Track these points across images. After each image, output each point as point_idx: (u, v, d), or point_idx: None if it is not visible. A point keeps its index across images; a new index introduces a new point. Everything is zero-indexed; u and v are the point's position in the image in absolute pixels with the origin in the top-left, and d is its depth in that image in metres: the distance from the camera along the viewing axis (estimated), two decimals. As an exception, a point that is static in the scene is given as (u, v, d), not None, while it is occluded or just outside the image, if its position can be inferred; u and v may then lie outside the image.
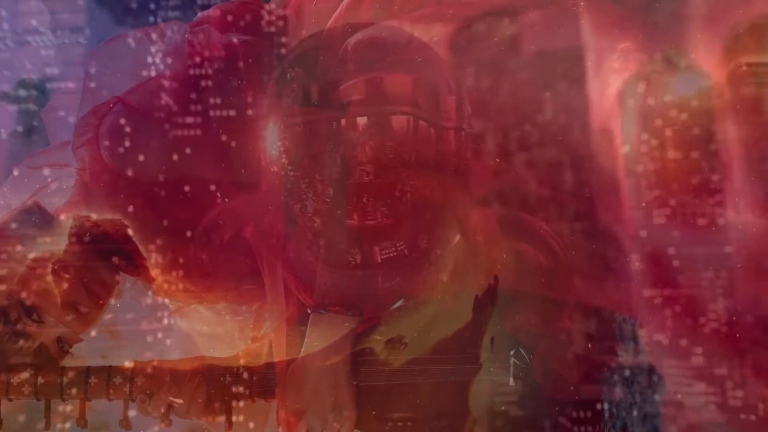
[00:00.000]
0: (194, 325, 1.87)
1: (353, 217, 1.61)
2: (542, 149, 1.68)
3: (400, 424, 1.66)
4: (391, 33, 1.68)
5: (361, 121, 1.58)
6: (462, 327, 1.66)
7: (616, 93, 1.62)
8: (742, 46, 1.54)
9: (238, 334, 1.85)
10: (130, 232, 1.73)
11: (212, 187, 1.73)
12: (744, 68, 1.53)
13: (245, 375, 1.69)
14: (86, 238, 1.73)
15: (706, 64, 1.56)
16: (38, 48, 2.28)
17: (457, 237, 1.68)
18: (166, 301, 1.84)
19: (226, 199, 1.73)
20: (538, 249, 1.68)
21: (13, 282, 1.67)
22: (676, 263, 1.58)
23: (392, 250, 1.64)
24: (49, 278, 1.69)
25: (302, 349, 1.68)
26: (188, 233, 1.73)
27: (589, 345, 1.66)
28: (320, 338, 1.67)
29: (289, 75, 1.67)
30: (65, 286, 1.71)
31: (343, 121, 1.58)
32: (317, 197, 1.61)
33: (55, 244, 1.70)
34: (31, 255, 1.68)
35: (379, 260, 1.64)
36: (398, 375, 1.67)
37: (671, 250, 1.58)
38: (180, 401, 1.67)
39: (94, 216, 1.74)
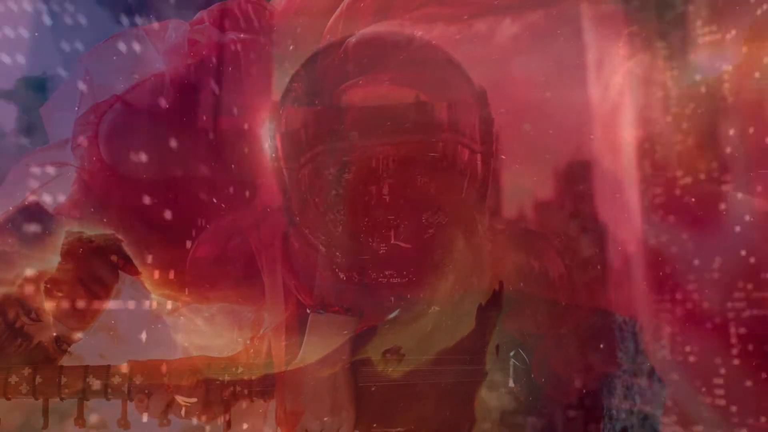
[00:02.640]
0: (192, 339, 1.87)
1: (370, 239, 1.59)
2: (545, 151, 1.67)
3: None
4: (392, 33, 1.67)
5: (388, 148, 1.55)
6: (464, 336, 1.65)
7: (620, 85, 1.61)
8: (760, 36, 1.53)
9: (237, 334, 1.85)
10: (124, 246, 1.73)
11: (211, 187, 1.73)
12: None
13: (244, 375, 1.68)
14: (79, 255, 1.72)
15: (710, 57, 1.55)
16: (38, 46, 2.28)
17: (461, 244, 1.66)
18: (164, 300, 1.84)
19: (222, 204, 1.73)
20: (544, 263, 1.67)
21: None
22: (679, 263, 1.57)
23: (402, 274, 1.62)
24: (40, 298, 1.69)
25: (301, 350, 1.68)
26: (188, 234, 1.73)
27: (589, 347, 1.66)
28: (319, 338, 1.67)
29: (289, 74, 1.67)
30: (57, 304, 1.71)
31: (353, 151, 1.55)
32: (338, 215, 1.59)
33: (47, 261, 1.70)
34: (23, 274, 1.68)
35: (387, 280, 1.62)
36: (399, 378, 1.66)
37: (674, 250, 1.57)
38: (194, 400, 1.66)
39: (86, 233, 1.73)
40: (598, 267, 1.64)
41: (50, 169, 1.80)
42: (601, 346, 1.67)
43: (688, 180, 1.57)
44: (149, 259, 1.75)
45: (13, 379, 1.67)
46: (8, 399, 1.69)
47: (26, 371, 1.68)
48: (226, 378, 1.68)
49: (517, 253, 1.68)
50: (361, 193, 1.55)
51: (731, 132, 1.53)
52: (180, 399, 1.67)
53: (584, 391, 1.66)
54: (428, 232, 1.58)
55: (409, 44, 1.62)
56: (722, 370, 1.53)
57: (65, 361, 1.74)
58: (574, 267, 1.66)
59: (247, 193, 1.72)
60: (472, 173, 1.59)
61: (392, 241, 1.56)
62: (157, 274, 1.77)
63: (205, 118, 1.74)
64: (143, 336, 1.95)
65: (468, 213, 1.61)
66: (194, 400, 1.67)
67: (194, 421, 1.72)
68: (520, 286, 1.66)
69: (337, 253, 1.60)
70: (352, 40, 1.65)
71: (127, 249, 1.75)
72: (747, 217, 1.54)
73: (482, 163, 1.60)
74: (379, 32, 1.66)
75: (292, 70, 1.66)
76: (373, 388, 1.66)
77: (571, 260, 1.66)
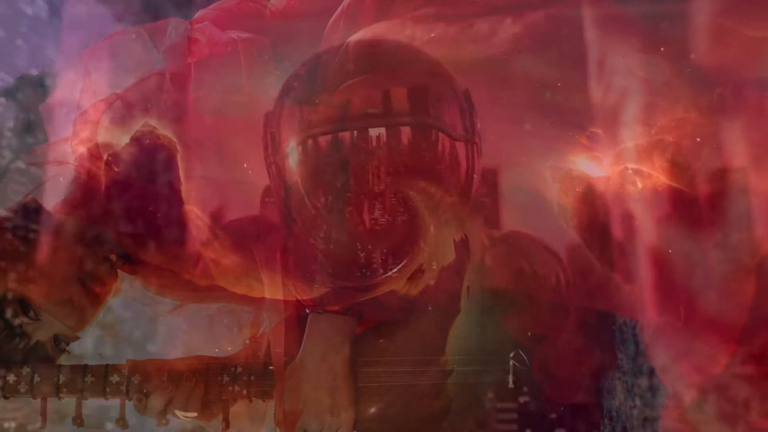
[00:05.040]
0: (191, 338, 1.86)
1: (357, 230, 1.59)
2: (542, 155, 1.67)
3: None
4: (391, 34, 1.67)
5: (373, 132, 1.57)
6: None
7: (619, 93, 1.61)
8: None
9: (237, 333, 1.85)
10: (123, 244, 1.73)
11: (211, 186, 1.73)
12: None
13: (243, 375, 1.68)
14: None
15: (710, 65, 1.54)
16: (38, 44, 2.28)
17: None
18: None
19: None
20: (542, 268, 1.68)
21: None
22: (678, 264, 1.57)
23: (393, 263, 1.63)
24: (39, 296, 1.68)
25: (300, 350, 1.67)
26: (188, 233, 1.72)
27: (589, 348, 1.65)
28: (319, 339, 1.67)
29: (295, 74, 1.66)
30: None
31: (354, 133, 1.57)
32: (323, 210, 1.60)
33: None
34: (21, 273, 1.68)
35: (381, 274, 1.63)
36: (398, 376, 1.66)
37: (674, 251, 1.57)
38: (194, 414, 1.67)
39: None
40: (599, 269, 1.64)
41: (49, 168, 1.80)
42: (601, 347, 1.67)
43: (689, 179, 1.57)
44: (148, 257, 1.75)
45: (12, 378, 1.67)
46: (6, 398, 1.68)
47: (25, 370, 1.67)
48: (225, 378, 1.68)
49: (515, 256, 1.68)
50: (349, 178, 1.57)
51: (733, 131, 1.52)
52: (180, 414, 1.67)
53: (584, 392, 1.66)
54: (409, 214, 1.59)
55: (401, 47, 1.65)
56: (723, 371, 1.53)
57: (64, 360, 1.74)
58: (574, 270, 1.66)
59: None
60: (454, 163, 1.60)
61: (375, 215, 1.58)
62: (156, 273, 1.77)
63: (204, 116, 1.74)
64: (142, 335, 1.95)
65: (456, 210, 1.62)
66: (194, 414, 1.67)
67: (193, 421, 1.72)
68: (519, 288, 1.66)
69: (330, 245, 1.61)
70: (353, 39, 1.65)
71: (126, 248, 1.75)
72: (748, 217, 1.54)
73: (465, 155, 1.62)
74: (381, 32, 1.67)
75: (293, 70, 1.66)
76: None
77: (571, 264, 1.66)
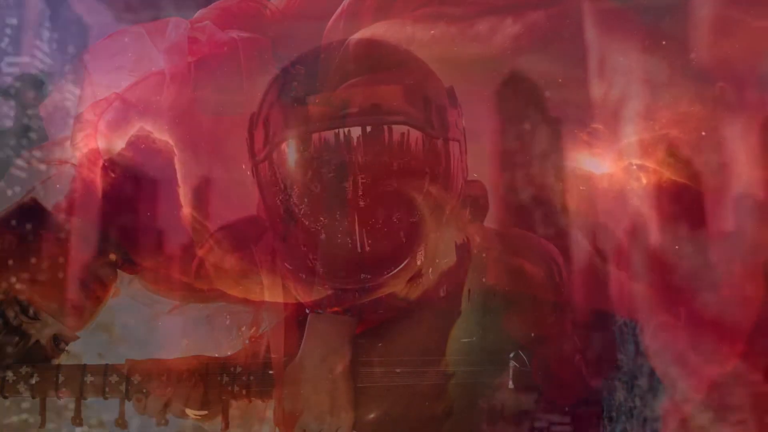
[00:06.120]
0: (190, 338, 1.85)
1: (349, 230, 1.58)
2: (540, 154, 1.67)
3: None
4: (391, 33, 1.67)
5: (356, 131, 1.55)
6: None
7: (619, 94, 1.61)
8: None
9: (236, 333, 1.84)
10: (122, 244, 1.73)
11: (210, 185, 1.73)
12: None
13: (243, 375, 1.68)
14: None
15: (714, 57, 1.54)
16: (37, 43, 2.28)
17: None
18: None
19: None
20: (538, 267, 1.67)
21: None
22: (677, 264, 1.57)
23: (386, 267, 1.61)
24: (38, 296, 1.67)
25: (300, 350, 1.67)
26: (187, 232, 1.72)
27: (589, 349, 1.65)
28: (318, 339, 1.66)
29: (290, 73, 1.66)
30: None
31: (340, 132, 1.55)
32: (313, 209, 1.59)
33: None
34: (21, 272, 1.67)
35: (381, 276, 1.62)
36: (398, 377, 1.66)
37: (674, 251, 1.57)
38: (205, 412, 1.66)
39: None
40: (597, 268, 1.63)
41: (49, 168, 1.80)
42: (601, 347, 1.66)
43: (690, 179, 1.57)
44: (148, 257, 1.75)
45: (11, 377, 1.66)
46: (5, 398, 1.68)
47: (24, 370, 1.67)
48: (225, 378, 1.68)
49: (511, 254, 1.68)
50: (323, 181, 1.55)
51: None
52: (191, 412, 1.67)
53: (584, 393, 1.66)
54: (400, 228, 1.58)
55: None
56: (723, 372, 1.53)
57: (63, 360, 1.74)
58: (573, 269, 1.66)
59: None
60: (435, 161, 1.59)
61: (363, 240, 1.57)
62: (155, 272, 1.76)
63: (204, 115, 1.74)
64: (141, 335, 1.95)
65: (437, 205, 1.61)
66: (205, 412, 1.67)
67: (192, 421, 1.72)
68: (517, 287, 1.66)
69: (310, 255, 1.60)
70: (353, 39, 1.65)
71: (126, 247, 1.75)
72: (748, 216, 1.53)
73: (451, 153, 1.61)
74: (380, 32, 1.66)
75: (293, 70, 1.65)
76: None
77: (570, 262, 1.66)
